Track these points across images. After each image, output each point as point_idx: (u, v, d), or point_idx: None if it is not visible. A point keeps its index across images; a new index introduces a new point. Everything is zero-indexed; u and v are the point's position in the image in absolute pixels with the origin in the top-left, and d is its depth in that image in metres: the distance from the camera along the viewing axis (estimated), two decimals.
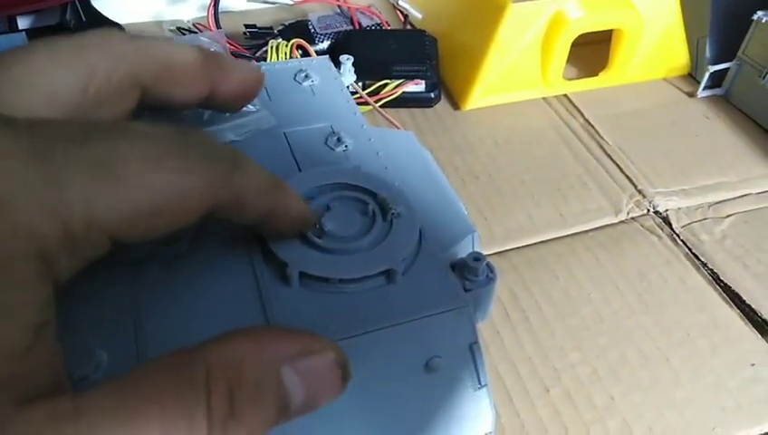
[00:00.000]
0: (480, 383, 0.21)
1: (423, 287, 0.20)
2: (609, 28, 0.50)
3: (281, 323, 0.19)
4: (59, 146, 0.13)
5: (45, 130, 0.14)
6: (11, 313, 0.12)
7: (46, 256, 0.13)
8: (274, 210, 0.18)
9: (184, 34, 0.53)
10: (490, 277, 0.21)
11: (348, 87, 0.43)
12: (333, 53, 0.45)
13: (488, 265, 0.21)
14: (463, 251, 0.23)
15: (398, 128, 0.44)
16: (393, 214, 0.22)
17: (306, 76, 0.30)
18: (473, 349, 0.21)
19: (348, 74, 0.45)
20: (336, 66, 0.32)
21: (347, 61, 0.45)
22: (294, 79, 0.30)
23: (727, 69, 0.51)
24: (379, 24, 0.56)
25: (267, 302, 0.19)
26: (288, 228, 0.20)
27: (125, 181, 0.14)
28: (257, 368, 0.13)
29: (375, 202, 0.22)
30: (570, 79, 0.52)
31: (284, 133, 0.26)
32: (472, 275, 0.21)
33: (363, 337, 0.19)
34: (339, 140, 0.26)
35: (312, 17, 0.55)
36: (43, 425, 0.11)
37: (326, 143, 0.26)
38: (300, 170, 0.25)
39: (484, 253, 0.23)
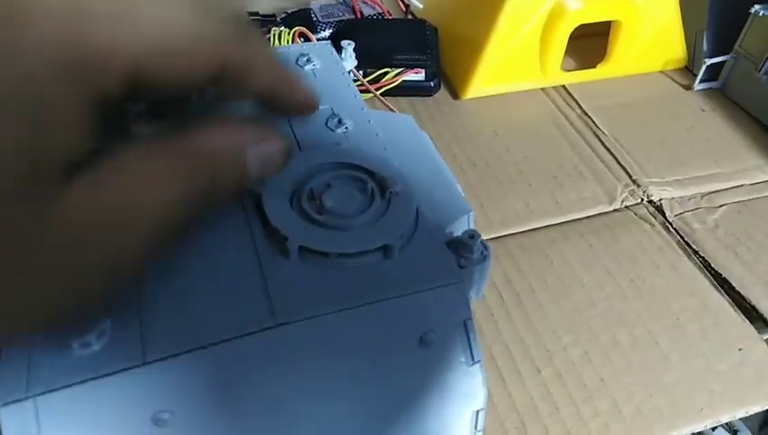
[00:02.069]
0: (473, 359, 0.22)
1: (419, 263, 0.21)
2: (608, 20, 0.51)
3: (281, 294, 0.19)
4: None
5: None
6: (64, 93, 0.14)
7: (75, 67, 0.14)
8: (281, 85, 0.19)
9: None
10: (484, 255, 0.22)
11: (349, 72, 0.43)
12: (335, 42, 0.46)
13: (482, 243, 0.22)
14: (458, 230, 0.23)
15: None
16: (391, 192, 0.22)
17: (308, 60, 0.30)
18: (467, 325, 0.21)
19: (349, 60, 0.45)
20: (338, 51, 0.33)
21: (348, 46, 0.45)
22: (296, 63, 0.30)
23: (724, 62, 0.52)
24: (380, 14, 0.56)
25: (267, 274, 0.20)
26: (294, 106, 0.20)
27: (146, 17, 0.15)
28: (229, 150, 0.18)
29: (374, 181, 0.23)
30: (568, 70, 0.53)
31: None
32: (467, 253, 0.22)
33: (360, 309, 0.20)
34: (339, 121, 0.26)
35: (315, 6, 0.55)
36: (73, 198, 0.14)
37: (327, 125, 0.27)
38: (301, 150, 0.25)
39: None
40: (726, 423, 0.85)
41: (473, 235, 0.22)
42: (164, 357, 0.18)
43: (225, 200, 0.18)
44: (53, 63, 0.14)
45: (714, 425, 0.30)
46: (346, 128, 0.26)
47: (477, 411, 0.23)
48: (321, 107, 0.28)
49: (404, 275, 0.21)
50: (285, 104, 0.20)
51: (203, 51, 0.16)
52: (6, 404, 0.17)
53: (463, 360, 0.22)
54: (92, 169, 0.15)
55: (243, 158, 0.18)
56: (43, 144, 0.14)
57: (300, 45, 0.32)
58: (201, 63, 0.17)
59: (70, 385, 0.17)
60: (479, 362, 0.22)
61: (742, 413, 0.30)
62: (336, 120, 0.26)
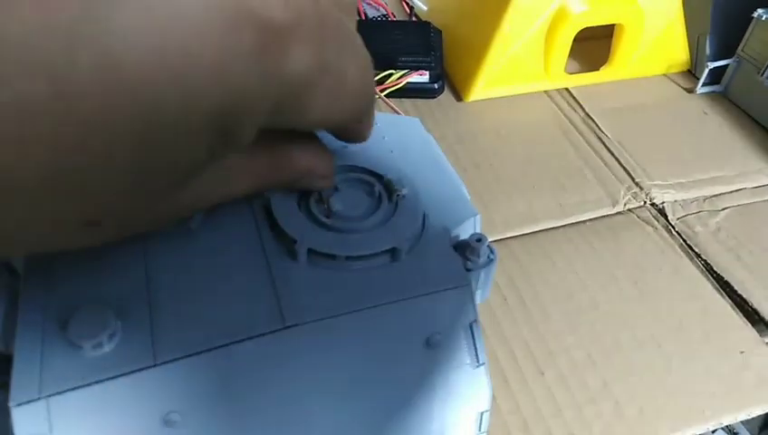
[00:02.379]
0: (478, 361, 0.22)
1: (426, 266, 0.21)
2: (611, 23, 0.51)
3: (289, 296, 0.20)
4: None
5: None
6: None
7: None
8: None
9: None
10: (491, 258, 0.22)
11: None
12: None
13: (489, 246, 0.22)
14: (465, 233, 0.23)
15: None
16: (398, 196, 0.22)
17: None
18: (472, 327, 0.22)
19: None
20: None
21: None
22: None
23: (726, 66, 0.52)
24: (384, 15, 0.56)
25: (276, 276, 0.20)
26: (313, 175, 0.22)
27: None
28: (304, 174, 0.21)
29: (381, 184, 0.23)
30: (571, 73, 0.53)
31: None
32: (474, 256, 0.22)
33: (367, 311, 0.20)
34: None
35: None
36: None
37: None
38: None
39: None
40: (726, 426, 0.85)
41: (480, 238, 0.22)
42: (174, 359, 0.18)
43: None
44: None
45: (715, 427, 0.30)
46: None
47: (482, 413, 0.23)
48: None
49: (411, 277, 0.21)
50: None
51: (352, 106, 0.18)
52: (19, 405, 0.17)
53: (468, 362, 0.22)
54: None
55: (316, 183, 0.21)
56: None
57: None
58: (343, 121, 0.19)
59: (82, 386, 0.17)
60: (484, 364, 0.22)
61: (743, 416, 0.31)
62: None
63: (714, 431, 0.85)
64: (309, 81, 0.15)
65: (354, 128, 0.20)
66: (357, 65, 0.17)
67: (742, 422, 0.85)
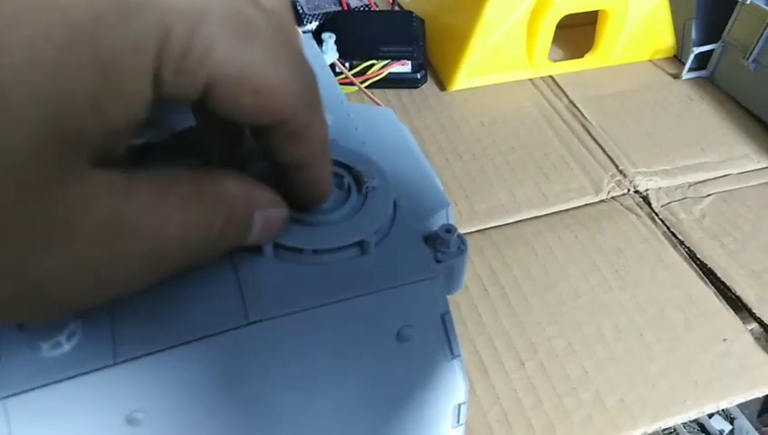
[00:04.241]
0: (453, 354, 0.22)
1: (395, 258, 0.21)
2: (595, 9, 0.50)
3: (254, 292, 0.19)
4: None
5: None
6: (126, 87, 0.12)
7: (158, 63, 0.13)
8: (310, 172, 0.18)
9: None
10: (461, 249, 0.22)
11: (332, 65, 0.43)
12: (321, 34, 0.45)
13: (459, 236, 0.22)
14: (437, 224, 0.23)
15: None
16: (368, 187, 0.22)
17: None
18: (444, 319, 0.21)
19: (330, 52, 0.45)
20: (318, 44, 0.32)
21: (329, 39, 0.45)
22: None
23: (712, 51, 0.52)
24: (367, 5, 0.56)
25: (241, 272, 0.20)
26: (301, 194, 0.19)
27: (259, 44, 0.15)
28: (245, 207, 0.17)
29: (350, 175, 0.23)
30: (555, 60, 0.53)
31: None
32: (443, 247, 0.22)
33: (335, 305, 0.19)
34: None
35: None
36: (101, 191, 0.13)
37: None
38: None
39: (466, 230, 0.23)
40: (723, 410, 0.86)
41: (449, 229, 0.22)
42: (135, 357, 0.17)
43: (215, 255, 0.17)
44: (158, 27, 0.12)
45: (697, 416, 0.30)
46: None
47: (459, 405, 0.23)
48: None
49: (380, 270, 0.20)
50: (294, 186, 0.19)
51: (280, 100, 0.15)
52: None
53: (442, 354, 0.22)
54: (117, 171, 0.14)
55: (251, 216, 0.17)
56: (105, 105, 0.12)
57: None
58: (269, 110, 0.15)
59: (40, 386, 0.17)
60: (459, 356, 0.22)
61: (725, 404, 0.31)
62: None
63: (710, 416, 0.85)
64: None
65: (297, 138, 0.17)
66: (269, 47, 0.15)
67: (739, 408, 0.85)
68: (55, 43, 0.11)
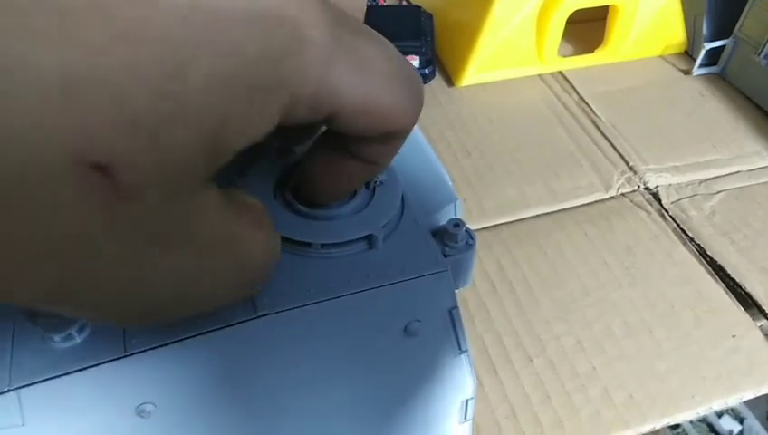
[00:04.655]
0: (460, 349, 0.22)
1: (403, 253, 0.21)
2: (605, 4, 0.50)
3: (264, 284, 0.19)
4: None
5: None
6: (263, 119, 0.13)
7: (294, 101, 0.14)
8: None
9: None
10: (469, 244, 0.22)
11: None
12: None
13: (468, 231, 0.22)
14: (445, 219, 0.23)
15: None
16: (376, 182, 0.22)
17: None
18: (452, 314, 0.21)
19: None
20: None
21: None
22: None
23: (723, 46, 0.51)
24: (375, 0, 0.56)
25: None
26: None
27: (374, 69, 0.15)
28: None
29: None
30: (565, 56, 0.52)
31: None
32: (451, 242, 0.22)
33: (343, 299, 0.19)
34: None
35: None
36: (213, 205, 0.14)
37: None
38: None
39: (475, 227, 0.23)
40: (732, 410, 0.85)
41: (458, 223, 0.22)
42: (145, 349, 0.18)
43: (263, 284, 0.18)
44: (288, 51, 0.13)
45: (705, 412, 0.30)
46: None
47: (466, 401, 0.23)
48: None
49: (388, 264, 0.20)
50: (341, 180, 0.20)
51: (395, 118, 0.16)
52: None
53: (450, 349, 0.22)
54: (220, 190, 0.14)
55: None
56: (246, 130, 0.13)
57: None
58: (383, 126, 0.16)
59: (52, 377, 0.17)
60: (466, 351, 0.22)
61: (734, 400, 0.30)
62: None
63: (720, 416, 0.85)
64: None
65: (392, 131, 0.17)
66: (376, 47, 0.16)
67: (749, 408, 0.85)
68: (225, 73, 0.12)
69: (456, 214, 0.24)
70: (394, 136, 0.17)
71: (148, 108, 0.11)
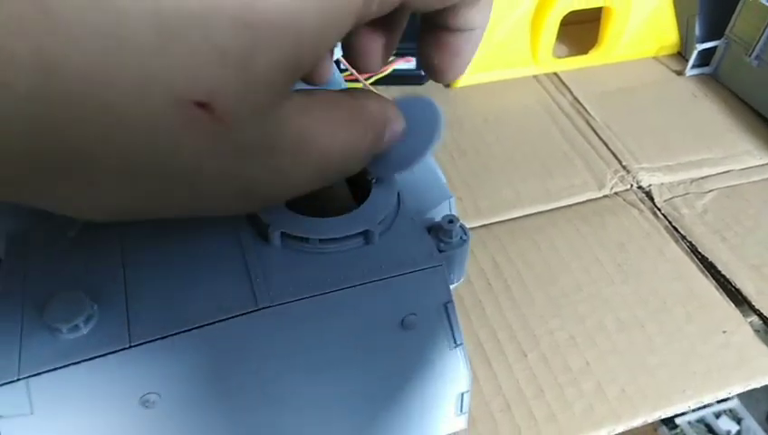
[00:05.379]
0: (455, 342, 0.23)
1: (399, 248, 0.22)
2: (599, 6, 0.51)
3: (262, 279, 0.20)
4: None
5: None
6: (339, 22, 0.14)
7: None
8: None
9: None
10: (463, 239, 0.23)
11: (338, 62, 0.43)
12: None
13: (461, 227, 0.23)
14: (439, 215, 0.24)
15: None
16: (372, 179, 0.23)
17: None
18: (447, 308, 0.22)
19: (335, 49, 0.45)
20: None
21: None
22: None
23: (715, 47, 0.52)
24: None
25: (249, 259, 0.20)
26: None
27: None
28: (382, 121, 0.19)
29: None
30: (560, 57, 0.53)
31: None
32: (446, 237, 0.22)
33: (340, 293, 0.20)
34: None
35: None
36: (293, 111, 0.15)
37: None
38: None
39: (470, 226, 0.24)
40: (730, 410, 0.86)
41: (452, 219, 0.22)
42: (149, 340, 0.18)
43: (358, 167, 0.19)
44: None
45: (696, 406, 0.31)
46: None
47: (462, 394, 0.24)
48: None
49: (384, 259, 0.21)
50: (454, 52, 0.20)
51: None
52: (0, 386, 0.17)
53: (445, 343, 0.22)
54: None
55: (384, 130, 0.19)
56: (327, 37, 0.14)
57: None
58: None
59: (59, 367, 0.18)
60: (461, 345, 0.23)
61: (724, 394, 0.31)
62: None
63: (718, 417, 0.85)
64: None
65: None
66: None
67: (747, 408, 0.85)
68: None
69: (450, 211, 0.25)
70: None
71: (232, 38, 0.12)
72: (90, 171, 0.13)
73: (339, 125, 0.17)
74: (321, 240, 0.21)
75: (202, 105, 0.12)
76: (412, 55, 0.49)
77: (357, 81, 0.46)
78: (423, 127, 0.21)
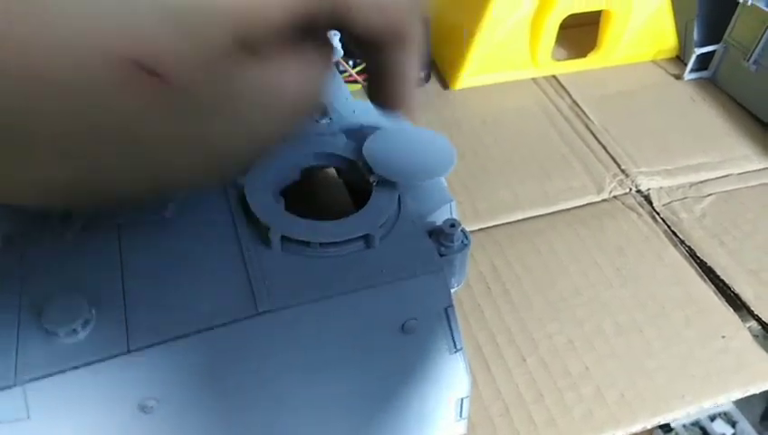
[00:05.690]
0: (455, 347, 0.22)
1: (400, 252, 0.21)
2: (598, 9, 0.51)
3: (262, 283, 0.20)
4: None
5: None
6: None
7: None
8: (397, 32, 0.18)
9: None
10: (464, 243, 0.22)
11: (337, 63, 0.43)
12: None
13: (463, 231, 0.22)
14: (440, 219, 0.24)
15: None
16: (374, 182, 0.23)
17: None
18: (448, 312, 0.22)
19: (335, 48, 0.45)
20: None
21: (333, 37, 0.45)
22: None
23: (714, 52, 0.52)
24: None
25: (250, 263, 0.20)
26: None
27: None
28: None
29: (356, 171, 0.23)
30: (559, 60, 0.53)
31: None
32: (447, 242, 0.22)
33: (341, 298, 0.20)
34: (323, 112, 0.27)
35: None
36: (256, 66, 0.14)
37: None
38: None
39: (469, 229, 0.24)
40: (725, 413, 0.86)
41: (453, 223, 0.22)
42: (147, 345, 0.18)
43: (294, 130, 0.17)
44: None
45: (695, 410, 0.31)
46: (330, 118, 0.26)
47: (461, 399, 0.24)
48: None
49: (385, 264, 0.21)
50: (387, 78, 0.19)
51: (396, 13, 0.17)
52: None
53: (445, 347, 0.22)
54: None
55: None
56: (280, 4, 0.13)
57: None
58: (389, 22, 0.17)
59: (57, 372, 0.17)
60: (461, 349, 0.23)
61: (723, 399, 0.31)
62: (320, 110, 0.27)
63: (713, 420, 0.85)
64: None
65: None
66: None
67: (742, 412, 0.85)
68: None
69: (451, 214, 0.25)
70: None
71: (180, 3, 0.12)
72: (23, 141, 0.13)
73: (297, 72, 0.16)
74: (321, 244, 0.21)
75: (140, 65, 0.12)
76: None
77: (356, 82, 0.46)
78: (436, 157, 0.23)
